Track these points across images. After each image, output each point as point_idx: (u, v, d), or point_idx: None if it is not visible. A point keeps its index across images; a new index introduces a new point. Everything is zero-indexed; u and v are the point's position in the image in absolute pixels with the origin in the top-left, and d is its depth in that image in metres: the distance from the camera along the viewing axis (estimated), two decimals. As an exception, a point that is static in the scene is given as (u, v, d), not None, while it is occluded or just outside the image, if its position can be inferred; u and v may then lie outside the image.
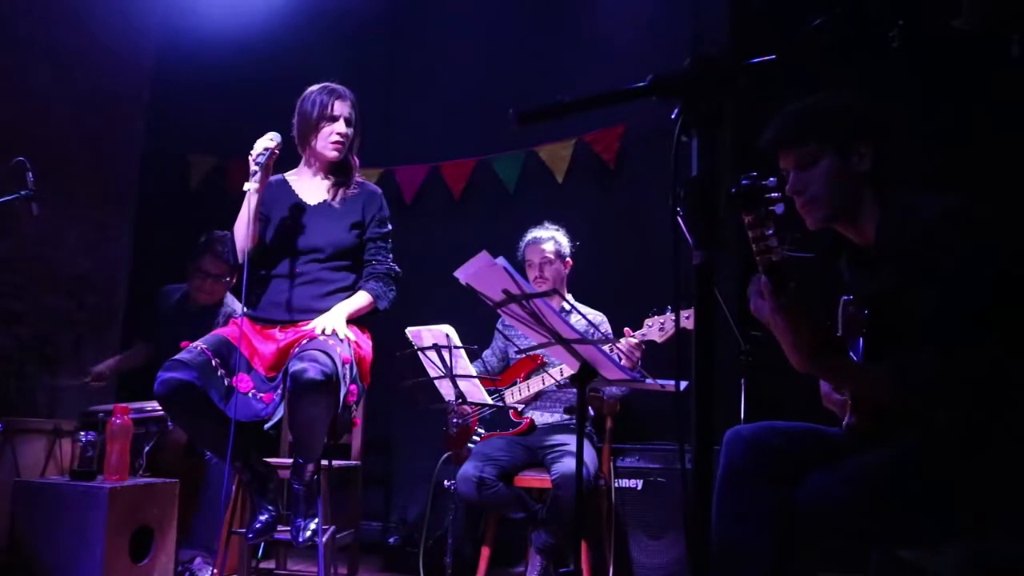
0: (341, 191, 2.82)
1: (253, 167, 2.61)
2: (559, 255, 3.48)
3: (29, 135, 3.96)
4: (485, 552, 3.19)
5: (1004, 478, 1.49)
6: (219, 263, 3.55)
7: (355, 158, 2.88)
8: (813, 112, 1.75)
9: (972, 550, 1.54)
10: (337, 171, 2.85)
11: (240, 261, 2.72)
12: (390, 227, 2.89)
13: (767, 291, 1.55)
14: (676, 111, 1.10)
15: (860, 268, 1.76)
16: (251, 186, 2.62)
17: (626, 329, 3.07)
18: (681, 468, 1.32)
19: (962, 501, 1.49)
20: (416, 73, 4.66)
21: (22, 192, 2.92)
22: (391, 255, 2.87)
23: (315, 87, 2.82)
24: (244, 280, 2.60)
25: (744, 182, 1.51)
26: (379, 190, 2.92)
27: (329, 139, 2.77)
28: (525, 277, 3.25)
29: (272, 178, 2.84)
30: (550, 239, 3.49)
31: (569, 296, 3.49)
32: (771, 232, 1.51)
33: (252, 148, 2.64)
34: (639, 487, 3.32)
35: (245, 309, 2.64)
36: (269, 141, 2.65)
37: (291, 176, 2.89)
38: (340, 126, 2.78)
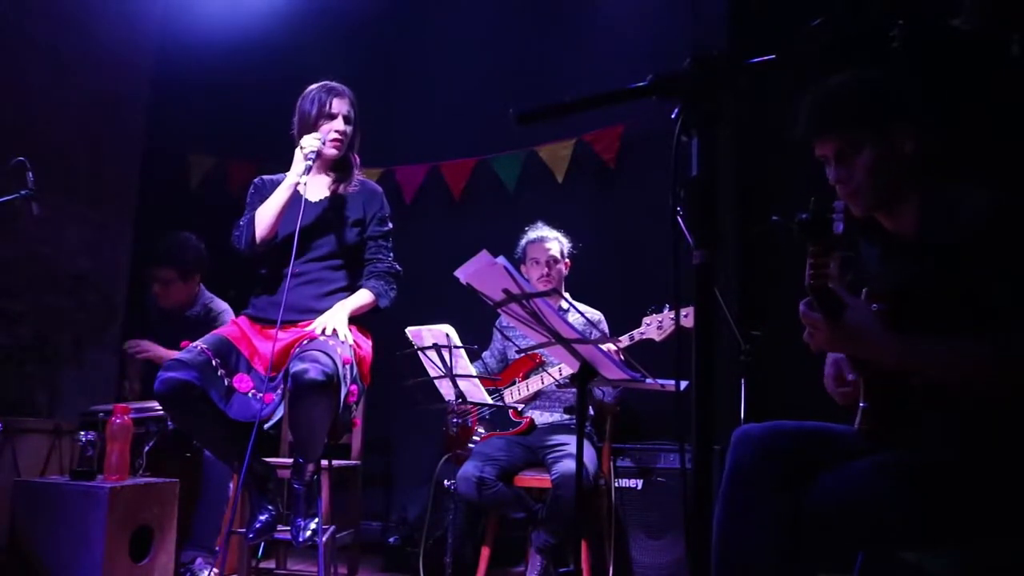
0: (342, 188, 2.83)
1: (306, 162, 2.67)
2: (562, 255, 3.50)
3: (29, 135, 3.96)
4: (485, 552, 3.19)
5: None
6: (167, 269, 3.52)
7: (355, 156, 2.89)
8: (850, 95, 1.68)
9: (972, 550, 1.54)
10: (337, 169, 2.85)
11: (255, 249, 2.72)
12: (391, 226, 2.89)
13: (820, 321, 1.54)
14: (676, 111, 1.10)
15: (892, 256, 1.72)
16: (304, 179, 2.67)
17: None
18: (681, 468, 1.32)
19: (981, 503, 1.48)
20: (416, 73, 4.66)
21: (22, 192, 2.92)
22: (392, 254, 2.87)
23: (314, 86, 2.84)
24: (287, 273, 2.60)
25: (811, 208, 1.48)
26: (379, 188, 2.93)
27: (328, 137, 2.78)
28: (523, 275, 3.25)
29: (274, 176, 2.85)
30: (554, 239, 3.51)
31: (567, 295, 3.50)
32: (833, 263, 1.49)
33: (301, 144, 2.71)
34: (639, 487, 3.32)
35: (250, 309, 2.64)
36: (317, 141, 2.71)
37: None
38: (338, 123, 2.78)
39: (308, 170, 2.67)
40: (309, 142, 2.70)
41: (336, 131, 2.78)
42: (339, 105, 2.79)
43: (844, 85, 1.70)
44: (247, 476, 2.67)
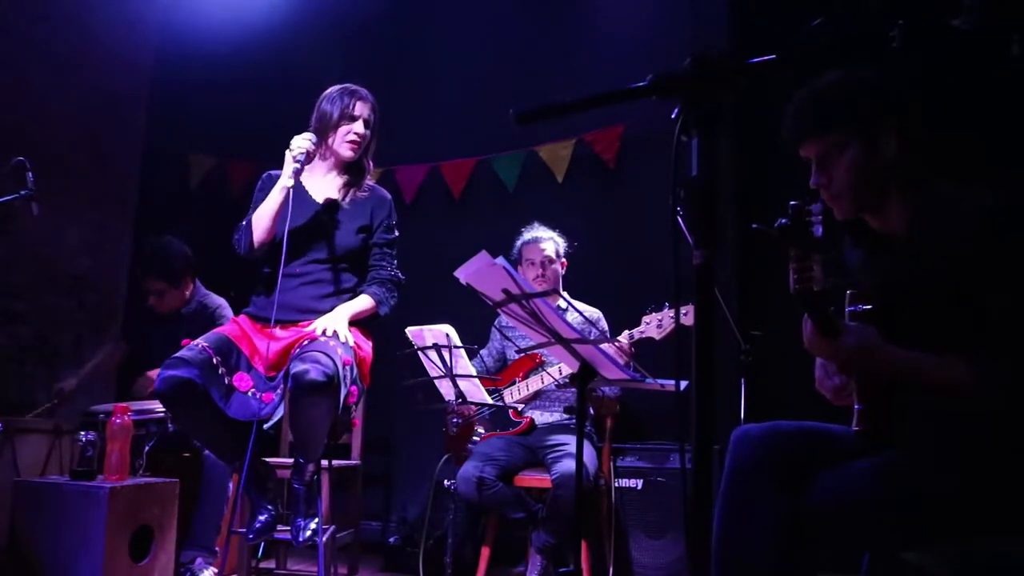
0: (351, 192, 2.82)
1: (294, 164, 2.64)
2: (558, 255, 3.50)
3: (29, 135, 3.96)
4: (485, 552, 3.19)
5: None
6: (157, 281, 3.53)
7: (369, 162, 2.88)
8: (830, 98, 1.68)
9: (972, 550, 1.54)
10: (349, 171, 2.85)
11: (254, 253, 2.72)
12: (397, 234, 2.88)
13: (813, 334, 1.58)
14: (676, 111, 1.10)
15: (879, 256, 1.72)
16: (289, 183, 2.64)
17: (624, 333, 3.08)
18: (681, 468, 1.32)
19: (982, 502, 1.48)
20: (416, 73, 4.66)
21: (22, 192, 2.92)
22: (395, 261, 2.86)
23: (336, 87, 2.81)
24: (282, 272, 2.60)
25: (790, 212, 1.49)
26: (389, 196, 2.91)
27: (346, 138, 2.77)
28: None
29: (281, 171, 2.83)
30: (550, 239, 3.51)
31: (565, 294, 3.50)
32: (816, 266, 1.50)
33: (290, 145, 2.67)
34: (639, 487, 3.32)
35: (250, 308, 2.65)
36: (307, 142, 2.67)
37: (303, 173, 2.88)
38: (359, 126, 2.77)
39: (298, 172, 2.64)
40: (298, 143, 2.67)
41: (355, 133, 2.77)
42: (361, 108, 2.78)
43: (825, 87, 1.70)
44: (247, 475, 2.67)
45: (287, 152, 2.68)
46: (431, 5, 4.72)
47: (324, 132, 2.78)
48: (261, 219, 2.70)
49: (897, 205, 1.66)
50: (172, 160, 4.84)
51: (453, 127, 4.52)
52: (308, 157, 2.68)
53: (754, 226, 1.57)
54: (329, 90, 2.82)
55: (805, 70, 1.77)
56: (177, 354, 2.48)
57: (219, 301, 3.61)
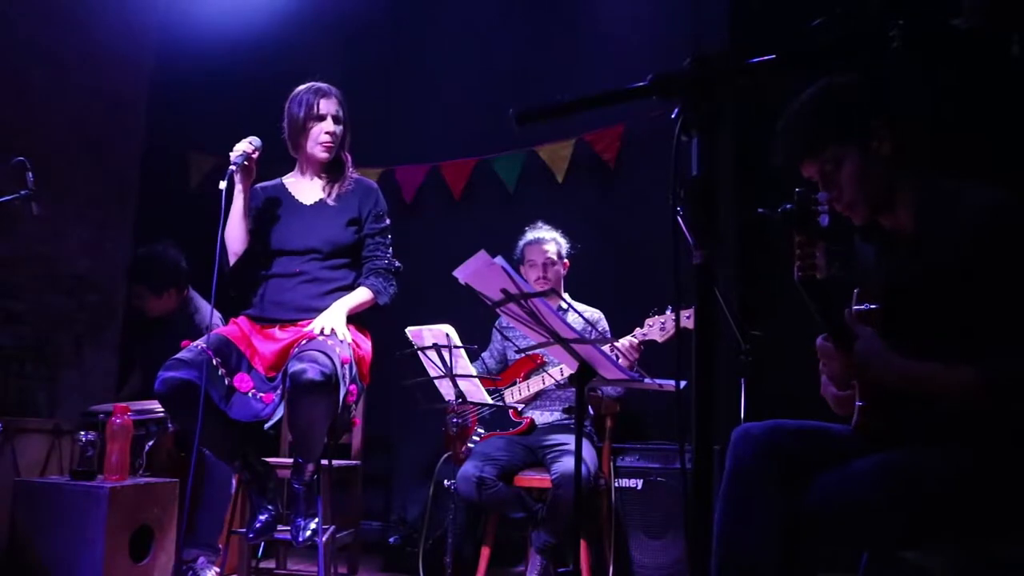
0: (336, 188, 2.82)
1: (230, 167, 2.63)
2: (560, 256, 3.49)
3: (29, 135, 3.96)
4: (485, 552, 3.19)
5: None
6: (139, 287, 3.59)
7: (347, 155, 2.88)
8: (816, 116, 1.70)
9: (972, 550, 1.54)
10: (330, 169, 2.86)
11: (237, 266, 2.74)
12: (388, 222, 2.88)
13: (834, 351, 1.58)
14: (676, 111, 1.10)
15: (888, 254, 1.73)
16: (223, 185, 2.60)
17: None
18: (681, 468, 1.33)
19: (982, 502, 1.48)
20: (416, 73, 4.66)
21: (22, 192, 2.92)
22: (390, 249, 2.86)
23: (301, 87, 2.83)
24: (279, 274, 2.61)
25: (796, 198, 1.49)
26: (375, 184, 2.92)
27: (318, 140, 2.78)
28: (522, 276, 3.24)
29: (269, 183, 2.86)
30: (552, 240, 3.50)
31: (566, 295, 3.49)
32: (819, 252, 1.50)
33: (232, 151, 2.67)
34: (639, 487, 3.32)
35: (251, 310, 2.68)
36: (247, 144, 2.68)
37: (288, 179, 2.91)
38: (328, 124, 2.78)
39: (228, 174, 2.61)
40: (237, 147, 2.67)
41: (326, 133, 2.77)
42: (327, 105, 2.78)
43: (808, 107, 1.71)
44: (248, 476, 2.68)
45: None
46: (431, 5, 4.71)
47: (296, 136, 2.80)
48: (228, 234, 2.73)
49: (905, 202, 1.67)
50: (172, 160, 4.83)
51: (453, 127, 4.52)
52: (247, 158, 2.67)
53: (759, 210, 1.58)
54: (294, 92, 2.83)
55: (805, 70, 1.77)
56: (177, 355, 2.49)
57: (206, 320, 3.53)
